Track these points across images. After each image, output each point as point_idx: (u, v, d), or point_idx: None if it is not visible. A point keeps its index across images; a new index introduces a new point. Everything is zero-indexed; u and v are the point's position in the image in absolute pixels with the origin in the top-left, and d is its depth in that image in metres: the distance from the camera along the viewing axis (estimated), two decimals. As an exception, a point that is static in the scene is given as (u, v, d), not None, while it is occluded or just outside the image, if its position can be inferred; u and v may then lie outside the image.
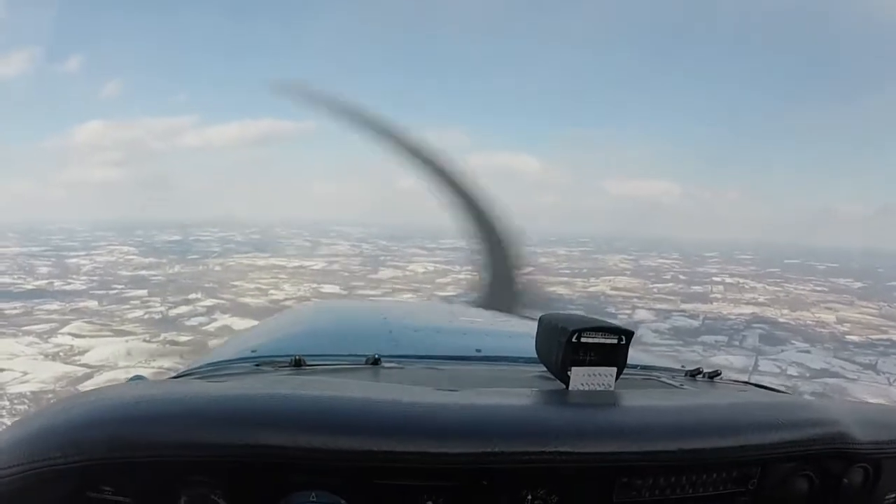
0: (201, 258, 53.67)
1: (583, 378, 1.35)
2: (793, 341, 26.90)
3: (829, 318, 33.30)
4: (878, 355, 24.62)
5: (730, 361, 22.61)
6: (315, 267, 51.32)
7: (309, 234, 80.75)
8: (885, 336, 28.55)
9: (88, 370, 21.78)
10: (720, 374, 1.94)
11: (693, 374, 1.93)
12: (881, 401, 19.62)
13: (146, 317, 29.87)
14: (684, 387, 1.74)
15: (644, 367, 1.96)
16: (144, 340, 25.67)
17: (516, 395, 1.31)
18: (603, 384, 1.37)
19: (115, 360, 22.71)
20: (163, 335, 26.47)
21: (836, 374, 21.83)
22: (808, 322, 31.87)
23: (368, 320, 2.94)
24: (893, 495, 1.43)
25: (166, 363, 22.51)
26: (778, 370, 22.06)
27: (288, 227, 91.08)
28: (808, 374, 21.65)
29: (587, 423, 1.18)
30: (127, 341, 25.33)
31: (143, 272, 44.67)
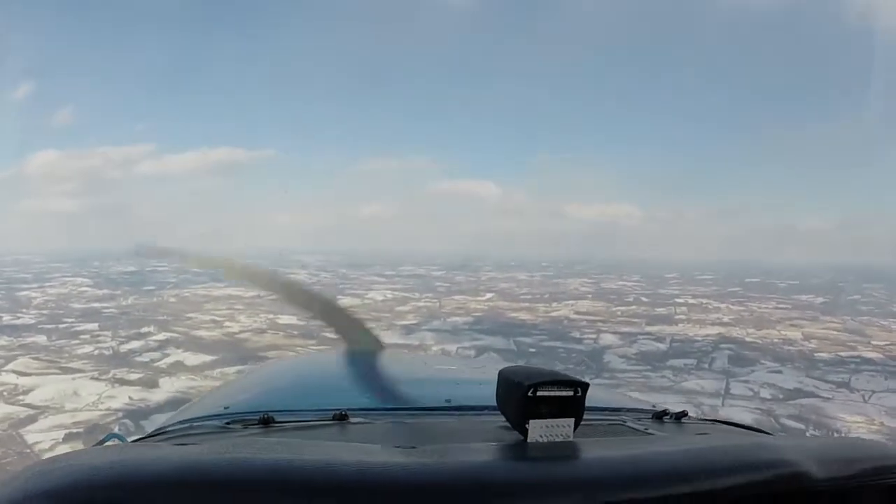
0: (157, 289, 52.35)
1: (541, 430, 1.36)
2: (762, 361, 26.49)
3: (796, 335, 33.19)
4: (850, 372, 24.37)
5: (701, 386, 22.19)
6: (272, 296, 50.00)
7: (268, 262, 78.80)
8: (853, 353, 28.37)
9: (32, 411, 20.61)
10: (686, 413, 1.92)
11: (660, 416, 1.92)
12: (858, 418, 19.42)
13: (96, 352, 28.46)
14: (649, 431, 1.71)
15: (613, 411, 1.97)
16: (92, 378, 24.34)
17: (474, 450, 1.29)
18: (561, 434, 1.38)
19: (60, 401, 21.51)
20: (112, 372, 25.13)
21: (810, 394, 21.40)
22: (775, 340, 31.55)
23: (337, 373, 2.95)
24: None
25: (115, 404, 21.81)
26: (751, 393, 21.53)
27: (246, 256, 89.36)
28: (781, 396, 21.17)
29: (542, 476, 1.16)
30: (74, 379, 24.08)
31: (96, 304, 43.22)
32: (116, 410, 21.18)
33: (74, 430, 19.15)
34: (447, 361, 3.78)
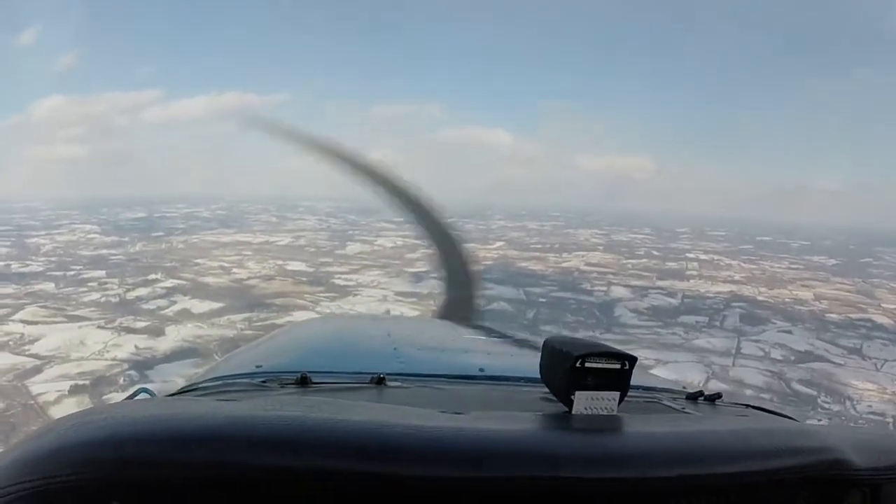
0: (165, 235, 51.78)
1: (586, 402, 1.35)
2: (773, 320, 26.42)
3: (807, 295, 32.99)
4: (861, 339, 24.16)
5: (712, 344, 22.12)
6: (281, 243, 50.10)
7: (276, 209, 79.36)
8: (864, 315, 28.18)
9: (38, 361, 20.55)
10: (721, 396, 1.91)
11: (694, 397, 1.91)
12: (870, 386, 19.40)
13: (103, 300, 28.40)
14: (686, 410, 1.72)
15: (646, 389, 1.96)
16: (99, 327, 24.29)
17: (520, 418, 1.29)
18: (606, 408, 1.36)
19: (66, 351, 21.50)
20: (118, 320, 25.08)
21: (821, 358, 21.28)
22: (786, 300, 31.39)
23: (373, 337, 2.89)
24: None
25: (121, 353, 21.74)
26: (761, 353, 21.46)
27: (256, 202, 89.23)
28: (792, 358, 21.10)
29: (590, 448, 1.17)
30: (80, 327, 23.99)
31: (104, 251, 42.86)
32: (122, 360, 21.19)
33: (80, 382, 19.13)
34: (479, 332, 3.61)
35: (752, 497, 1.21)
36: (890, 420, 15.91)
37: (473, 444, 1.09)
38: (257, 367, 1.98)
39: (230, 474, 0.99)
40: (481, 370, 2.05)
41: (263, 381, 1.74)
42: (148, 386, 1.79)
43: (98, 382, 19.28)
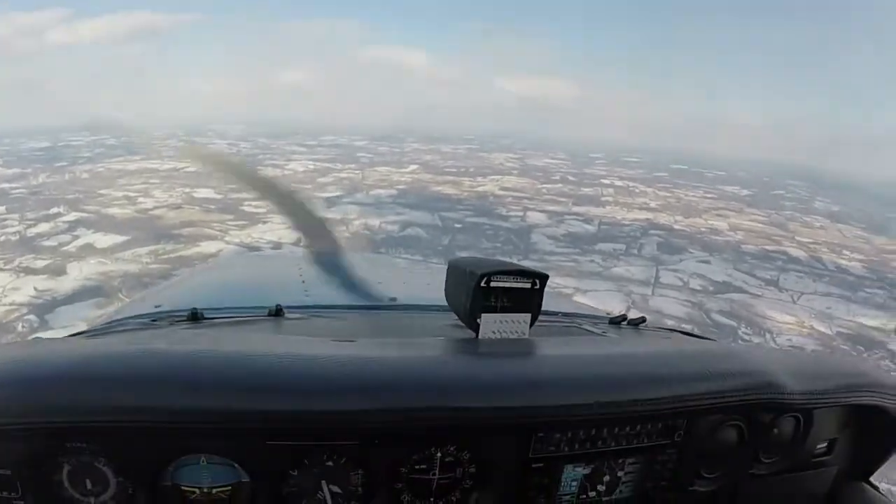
0: (69, 165, 47.72)
1: (494, 325, 1.30)
2: (690, 250, 26.11)
3: (722, 225, 33.05)
4: (777, 270, 24.09)
5: (630, 273, 21.52)
6: (190, 169, 47.40)
7: (185, 133, 76.00)
8: (779, 248, 28.46)
9: None
10: (645, 320, 1.89)
11: (617, 322, 1.88)
12: (789, 319, 19.19)
13: (2, 238, 25.55)
14: (607, 334, 1.69)
15: (565, 315, 1.91)
16: None
17: (420, 345, 1.25)
18: (516, 331, 1.32)
19: None
20: (17, 260, 22.54)
21: (739, 289, 21.08)
22: (703, 229, 31.32)
23: (281, 271, 2.86)
24: (824, 445, 1.44)
25: (19, 297, 19.29)
26: (680, 283, 20.99)
27: (163, 127, 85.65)
28: (711, 288, 20.76)
29: (497, 374, 1.12)
30: None
31: (5, 185, 39.25)
32: (21, 305, 19.05)
33: None
34: (400, 263, 3.56)
35: (676, 424, 1.16)
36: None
37: (359, 372, 1.01)
38: (156, 307, 1.89)
39: (96, 418, 0.94)
40: (392, 299, 2.03)
41: (154, 321, 1.64)
42: (41, 335, 1.55)
43: None
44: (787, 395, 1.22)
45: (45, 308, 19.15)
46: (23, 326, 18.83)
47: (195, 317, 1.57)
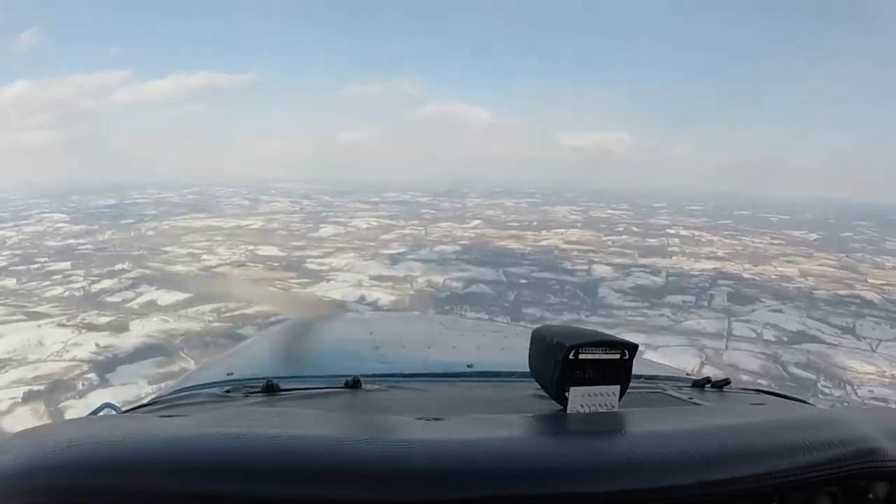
0: (135, 222, 49.78)
1: (582, 399, 1.28)
2: (762, 299, 25.69)
3: (792, 271, 32.38)
4: (853, 317, 23.45)
5: (702, 325, 21.38)
6: (253, 226, 48.83)
7: (248, 191, 77.76)
8: (852, 292, 27.77)
9: None
10: (729, 382, 1.79)
11: (701, 385, 1.82)
12: (869, 369, 18.68)
13: (66, 294, 26.51)
14: (693, 400, 1.63)
15: (647, 378, 1.86)
16: (59, 325, 22.48)
17: (507, 422, 1.19)
18: (605, 405, 1.29)
19: (23, 352, 19.69)
20: (80, 316, 23.39)
21: (815, 339, 20.61)
22: (772, 277, 30.80)
23: (352, 337, 2.76)
24: None
25: (80, 353, 19.99)
26: (753, 334, 20.76)
27: (227, 185, 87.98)
28: (785, 339, 20.40)
29: (590, 455, 1.07)
30: (39, 326, 22.16)
31: (72, 241, 40.75)
32: (82, 361, 19.58)
33: (35, 387, 17.50)
34: (467, 325, 3.51)
35: (771, 497, 1.12)
36: (894, 405, 15.19)
37: (452, 458, 0.98)
38: (228, 374, 1.87)
39: (157, 503, 0.90)
40: (469, 366, 1.95)
41: (228, 391, 1.64)
42: (112, 401, 1.68)
43: (55, 387, 18.01)
44: (887, 461, 1.17)
45: (106, 366, 19.39)
46: (83, 384, 18.45)
47: (270, 388, 1.56)
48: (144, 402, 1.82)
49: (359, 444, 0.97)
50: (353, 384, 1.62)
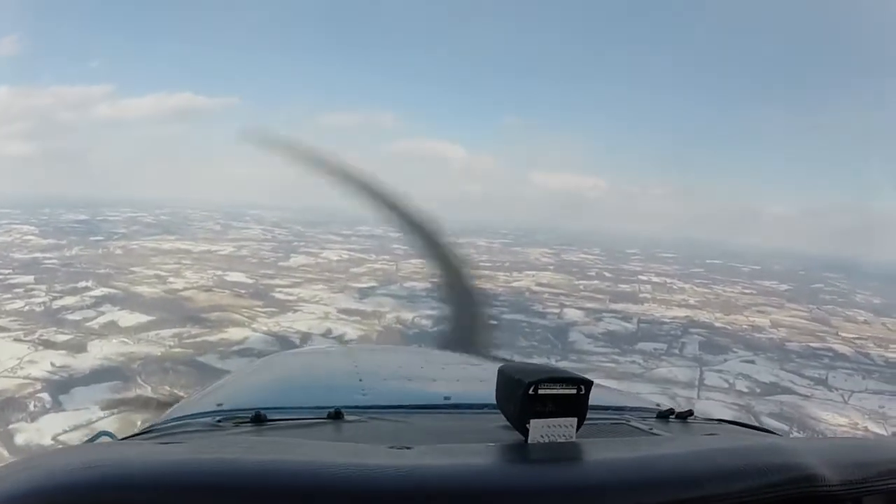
0: (104, 240, 49.37)
1: (542, 430, 1.34)
2: (734, 349, 25.77)
3: (764, 322, 32.47)
4: (826, 368, 23.60)
5: (674, 374, 21.12)
6: (222, 252, 48.20)
7: (222, 216, 77.45)
8: (824, 344, 27.86)
9: None
10: (692, 413, 1.87)
11: (665, 415, 1.87)
12: (841, 420, 18.44)
13: (26, 308, 25.98)
14: (654, 431, 1.69)
15: (616, 409, 1.94)
16: (16, 339, 22.05)
17: (471, 451, 1.27)
18: (563, 435, 1.35)
19: None
20: (39, 332, 22.71)
21: (788, 390, 20.57)
22: (744, 326, 30.78)
23: (337, 369, 2.87)
24: None
25: (35, 371, 19.72)
26: (726, 384, 20.58)
27: (201, 208, 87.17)
28: (758, 390, 20.30)
29: (543, 481, 1.12)
30: None
31: (39, 254, 40.16)
32: (36, 380, 19.18)
33: None
34: (448, 358, 3.55)
35: None
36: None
37: (415, 482, 1.04)
38: (218, 405, 1.95)
39: None
40: (446, 398, 2.03)
41: (219, 421, 1.71)
42: (107, 429, 1.74)
43: (5, 406, 17.56)
44: (825, 486, 1.17)
45: (60, 386, 19.09)
46: (35, 405, 18.19)
47: (258, 419, 1.64)
48: (139, 430, 1.88)
49: (333, 469, 1.01)
50: (336, 415, 1.69)
